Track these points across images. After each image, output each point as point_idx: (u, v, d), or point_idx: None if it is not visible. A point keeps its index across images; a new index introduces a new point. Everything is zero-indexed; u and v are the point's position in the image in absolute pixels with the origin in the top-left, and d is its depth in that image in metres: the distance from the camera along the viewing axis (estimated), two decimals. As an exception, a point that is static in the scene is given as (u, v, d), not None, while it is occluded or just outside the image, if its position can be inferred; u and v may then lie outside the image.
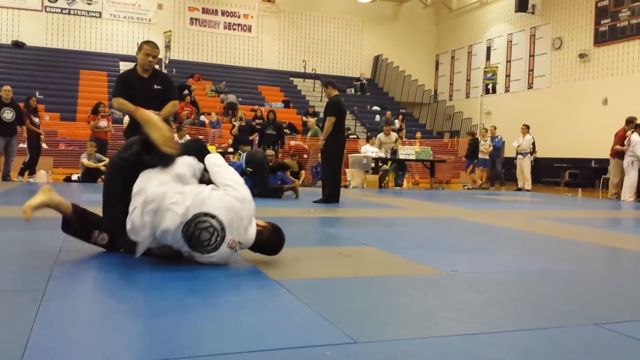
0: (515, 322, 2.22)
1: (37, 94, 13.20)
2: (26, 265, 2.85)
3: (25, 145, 10.61)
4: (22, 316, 2.00)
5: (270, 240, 3.11)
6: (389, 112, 17.84)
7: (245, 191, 2.98)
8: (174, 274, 2.74)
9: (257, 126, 13.42)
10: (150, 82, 4.94)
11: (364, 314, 2.27)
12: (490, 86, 21.50)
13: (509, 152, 15.20)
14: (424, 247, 4.08)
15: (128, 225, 2.83)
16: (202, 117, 16.08)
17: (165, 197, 2.81)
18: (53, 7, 20.28)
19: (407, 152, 12.94)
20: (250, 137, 13.06)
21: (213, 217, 2.80)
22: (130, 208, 2.83)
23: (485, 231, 5.27)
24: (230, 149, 12.35)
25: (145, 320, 2.06)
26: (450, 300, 2.55)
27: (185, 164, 3.03)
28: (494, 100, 21.22)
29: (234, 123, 13.48)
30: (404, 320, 2.18)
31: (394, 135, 13.77)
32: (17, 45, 19.45)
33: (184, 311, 2.20)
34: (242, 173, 8.04)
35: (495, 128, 15.05)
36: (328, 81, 8.13)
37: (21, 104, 10.48)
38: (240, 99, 18.57)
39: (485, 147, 14.34)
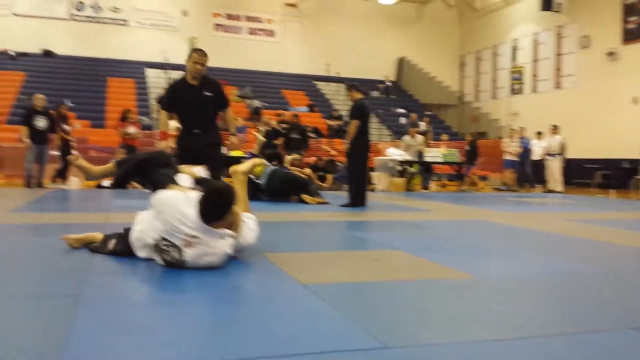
0: (546, 327, 2.19)
1: (67, 102, 13.47)
2: (60, 270, 2.91)
3: (57, 153, 10.84)
4: (59, 320, 2.05)
5: (206, 203, 2.91)
6: (414, 115, 17.73)
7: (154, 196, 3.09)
8: (204, 279, 2.77)
9: (282, 130, 13.48)
10: (201, 89, 4.95)
11: (393, 318, 2.27)
12: (517, 87, 21.23)
13: (537, 154, 14.98)
14: (452, 250, 4.05)
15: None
16: (228, 122, 16.22)
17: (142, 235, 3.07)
18: (80, 16, 20.70)
19: (433, 154, 12.85)
20: (276, 142, 13.12)
21: (162, 238, 2.92)
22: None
23: (514, 234, 5.21)
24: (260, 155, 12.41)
25: (178, 324, 2.09)
26: (480, 305, 2.53)
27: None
28: (521, 101, 20.94)
29: (259, 128, 13.56)
30: (434, 325, 2.18)
31: (419, 137, 13.69)
32: (47, 54, 19.89)
33: (214, 315, 2.23)
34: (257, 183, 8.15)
35: (523, 129, 14.85)
36: (352, 84, 8.13)
37: (53, 112, 10.72)
38: (265, 103, 18.68)
39: (513, 148, 14.16)
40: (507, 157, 14.41)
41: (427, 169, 13.16)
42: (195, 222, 2.86)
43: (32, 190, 9.73)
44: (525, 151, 14.25)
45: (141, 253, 3.07)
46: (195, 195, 2.96)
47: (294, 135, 12.84)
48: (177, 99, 4.93)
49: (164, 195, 3.02)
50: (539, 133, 14.16)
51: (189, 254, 2.86)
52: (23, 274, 2.86)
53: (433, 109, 23.10)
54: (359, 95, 7.74)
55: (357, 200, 7.46)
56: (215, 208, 2.90)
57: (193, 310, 2.31)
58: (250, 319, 2.22)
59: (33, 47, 19.92)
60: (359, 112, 7.52)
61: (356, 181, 7.62)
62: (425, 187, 12.97)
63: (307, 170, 11.76)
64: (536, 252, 4.13)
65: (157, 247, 2.94)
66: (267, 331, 2.02)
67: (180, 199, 2.95)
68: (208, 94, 4.96)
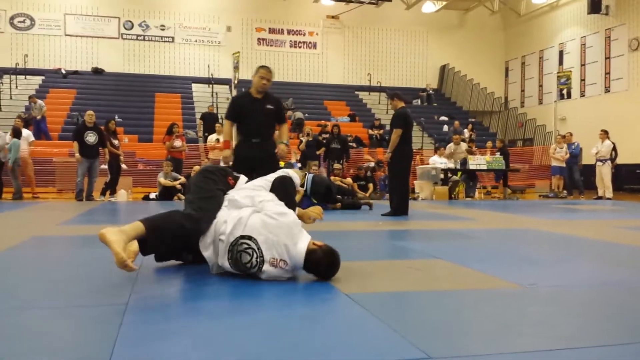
0: (597, 337, 2.11)
1: (116, 117, 13.90)
2: (108, 281, 2.99)
3: (106, 167, 11.19)
4: (106, 329, 2.11)
5: (321, 262, 2.92)
6: (457, 122, 17.46)
7: (280, 208, 3.00)
8: (248, 289, 2.79)
9: (323, 140, 13.54)
10: (263, 102, 5.33)
11: (437, 328, 2.23)
12: (564, 91, 20.69)
13: (587, 159, 14.54)
14: (498, 259, 3.96)
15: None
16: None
17: (215, 229, 2.96)
18: (129, 35, 21.38)
19: (477, 161, 12.64)
20: (317, 152, 13.18)
21: (249, 238, 2.86)
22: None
23: (563, 242, 5.06)
24: (299, 164, 12.50)
25: (221, 331, 2.11)
26: (528, 315, 2.46)
27: (245, 187, 3.24)
28: (569, 106, 20.40)
29: (302, 139, 13.66)
30: (480, 335, 2.13)
31: (463, 145, 13.49)
32: (97, 71, 20.61)
33: (256, 323, 2.24)
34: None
35: (571, 134, 14.45)
36: (394, 93, 8.10)
37: (102, 127, 11.09)
38: (306, 114, 18.81)
39: (561, 154, 13.79)
40: (555, 163, 14.03)
41: (471, 177, 12.94)
42: (297, 258, 2.88)
43: (82, 203, 10.06)
44: (574, 157, 13.84)
45: (205, 252, 3.00)
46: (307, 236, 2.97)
47: (334, 145, 12.88)
48: (241, 110, 5.30)
49: (285, 209, 3.02)
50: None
51: (269, 272, 2.87)
52: (73, 283, 2.95)
53: (477, 116, 22.75)
54: (401, 104, 7.72)
55: (399, 209, 7.40)
56: (323, 270, 2.96)
57: (235, 319, 2.33)
58: (293, 327, 2.22)
59: (83, 65, 20.68)
60: (402, 120, 7.49)
61: (398, 190, 7.57)
62: (469, 195, 12.75)
63: (348, 180, 11.76)
64: (586, 260, 4.00)
65: (234, 243, 2.89)
66: (310, 340, 2.02)
67: (299, 225, 2.98)
68: (270, 107, 5.34)
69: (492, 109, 23.06)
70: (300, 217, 3.28)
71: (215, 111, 17.04)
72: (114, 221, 7.16)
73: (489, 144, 15.13)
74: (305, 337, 2.06)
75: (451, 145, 13.27)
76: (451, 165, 12.67)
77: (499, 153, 13.41)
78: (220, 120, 15.96)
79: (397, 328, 2.17)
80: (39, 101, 15.91)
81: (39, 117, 15.28)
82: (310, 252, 2.89)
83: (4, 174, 11.02)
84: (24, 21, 20.28)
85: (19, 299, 2.63)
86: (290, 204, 3.20)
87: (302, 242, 2.90)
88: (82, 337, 2.12)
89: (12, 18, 20.15)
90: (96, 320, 2.32)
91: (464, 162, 12.53)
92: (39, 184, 11.95)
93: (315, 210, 3.53)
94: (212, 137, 13.02)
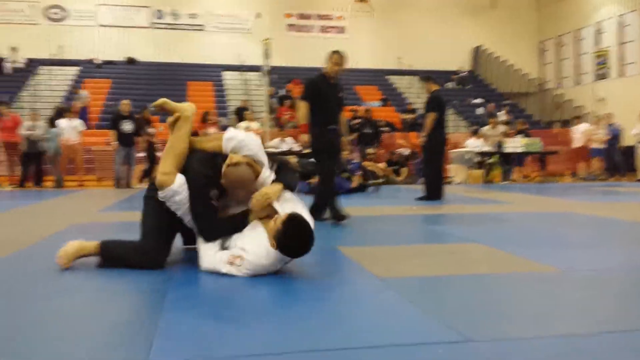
0: (635, 321, 2.07)
1: (150, 106, 14.12)
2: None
3: (143, 154, 11.39)
4: (150, 310, 2.16)
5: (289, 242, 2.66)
6: (491, 104, 17.13)
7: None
8: (279, 275, 2.81)
9: (355, 126, 13.48)
10: (337, 89, 5.19)
11: (475, 312, 2.22)
12: (602, 71, 20.09)
13: (627, 141, 14.13)
14: (535, 243, 3.90)
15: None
16: (302, 120, 16.42)
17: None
18: (160, 24, 21.58)
19: (514, 144, 12.40)
20: (350, 137, 13.14)
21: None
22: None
23: (602, 225, 4.95)
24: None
25: (258, 318, 2.15)
26: (567, 299, 2.43)
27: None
28: (607, 86, 19.80)
29: (333, 124, 13.63)
30: (518, 319, 2.11)
31: (501, 127, 13.24)
32: (130, 61, 20.91)
33: (293, 309, 2.27)
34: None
35: (610, 115, 14.05)
36: (427, 76, 8.00)
37: (138, 116, 11.27)
38: (338, 100, 18.73)
39: (600, 136, 13.44)
40: (594, 145, 13.68)
41: (507, 160, 12.73)
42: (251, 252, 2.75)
43: (120, 190, 10.28)
44: (613, 138, 13.46)
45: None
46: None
47: (366, 130, 12.82)
48: (320, 94, 5.02)
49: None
50: None
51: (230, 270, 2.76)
52: (111, 270, 3.02)
53: (512, 98, 22.29)
54: (435, 87, 7.62)
55: (434, 193, 7.34)
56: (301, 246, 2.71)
57: (273, 303, 2.37)
58: (329, 312, 2.25)
59: (117, 55, 20.99)
60: (436, 104, 7.40)
61: (432, 174, 7.50)
62: (506, 179, 12.55)
63: (382, 165, 11.70)
64: (627, 244, 3.91)
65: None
66: (346, 324, 2.04)
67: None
68: (341, 95, 5.24)
69: (527, 90, 22.56)
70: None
71: (249, 104, 17.11)
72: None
73: (519, 125, 14.73)
74: (341, 321, 2.08)
75: (487, 127, 13.05)
76: (486, 148, 12.47)
77: (521, 136, 13.14)
78: (249, 110, 16.03)
79: (434, 312, 2.17)
80: (82, 91, 16.27)
81: (83, 106, 15.65)
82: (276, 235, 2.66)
83: (44, 163, 11.33)
84: (57, 12, 20.67)
85: (62, 283, 2.72)
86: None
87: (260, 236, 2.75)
88: (123, 319, 2.18)
89: (46, 9, 20.55)
90: (140, 301, 2.39)
91: (500, 145, 12.31)
92: (80, 172, 12.24)
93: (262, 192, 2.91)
94: (242, 125, 13.08)
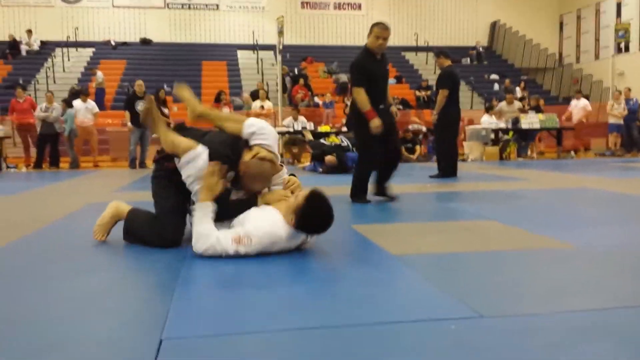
0: (658, 297, 2.05)
1: (165, 86, 14.12)
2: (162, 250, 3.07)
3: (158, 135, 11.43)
4: (165, 286, 2.19)
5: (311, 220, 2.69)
6: (508, 80, 16.87)
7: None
8: (293, 253, 2.81)
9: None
10: (383, 63, 4.83)
11: (489, 288, 2.21)
12: (622, 45, 19.66)
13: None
14: (551, 220, 3.86)
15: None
16: (316, 99, 16.34)
17: None
18: (174, 4, 21.50)
19: (530, 120, 12.23)
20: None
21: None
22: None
23: (619, 202, 4.88)
24: (344, 128, 12.43)
25: (276, 296, 2.16)
26: (583, 275, 2.41)
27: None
28: (627, 60, 19.39)
29: (347, 102, 13.54)
30: (533, 295, 2.10)
31: (517, 104, 13.05)
32: (145, 42, 20.90)
33: (309, 286, 2.28)
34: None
35: (629, 90, 13.78)
36: (440, 51, 7.86)
37: (152, 97, 11.28)
38: (352, 77, 18.60)
39: (619, 110, 13.20)
40: (612, 120, 13.45)
41: (523, 137, 12.57)
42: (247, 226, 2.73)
43: (135, 170, 10.36)
44: (632, 113, 13.22)
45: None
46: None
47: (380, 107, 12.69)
48: (369, 74, 4.69)
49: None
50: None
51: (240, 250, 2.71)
52: (128, 249, 3.05)
53: (530, 73, 21.94)
54: (447, 62, 7.48)
55: (447, 170, 7.28)
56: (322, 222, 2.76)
57: (286, 281, 2.38)
58: (342, 289, 2.25)
59: (132, 36, 20.99)
60: (449, 80, 7.28)
61: (446, 152, 7.43)
62: (522, 156, 12.41)
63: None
64: (646, 220, 3.85)
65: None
66: (361, 301, 2.04)
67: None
68: (387, 68, 4.91)
69: (545, 65, 22.18)
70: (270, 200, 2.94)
71: (262, 82, 17.05)
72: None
73: (541, 101, 14.55)
74: (357, 298, 2.08)
75: (502, 104, 12.88)
76: (502, 124, 12.32)
77: (533, 112, 12.94)
78: (265, 87, 15.97)
79: (448, 288, 2.16)
80: (98, 72, 16.36)
81: (100, 88, 15.76)
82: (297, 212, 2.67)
83: (60, 144, 11.43)
84: (72, -6, 20.68)
85: (79, 263, 2.75)
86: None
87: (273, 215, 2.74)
88: (139, 297, 2.21)
89: (61, -8, 20.56)
90: (152, 285, 2.41)
91: (516, 121, 12.15)
92: (94, 153, 12.34)
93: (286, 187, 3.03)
94: (256, 104, 13.05)
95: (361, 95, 4.63)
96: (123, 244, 3.08)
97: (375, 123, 4.55)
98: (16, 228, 3.80)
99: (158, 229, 2.99)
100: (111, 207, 3.20)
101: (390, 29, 4.77)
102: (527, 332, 1.67)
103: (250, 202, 2.89)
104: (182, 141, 2.91)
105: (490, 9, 23.22)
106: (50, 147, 11.22)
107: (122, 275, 2.60)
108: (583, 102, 13.29)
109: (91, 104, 11.87)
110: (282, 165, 3.08)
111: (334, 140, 9.02)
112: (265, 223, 2.69)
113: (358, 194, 4.77)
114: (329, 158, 8.54)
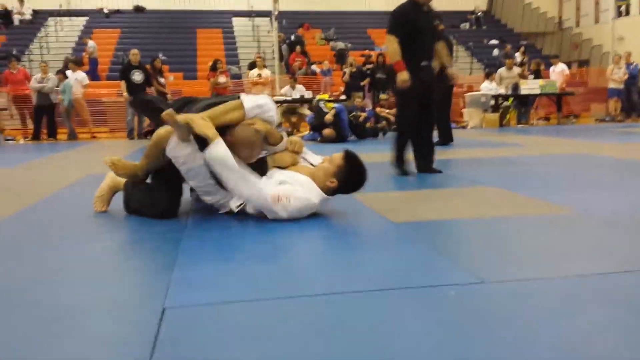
0: (658, 261, 2.06)
1: (160, 55, 13.95)
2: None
3: (154, 105, 11.34)
4: (166, 256, 2.20)
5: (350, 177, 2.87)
6: (508, 46, 16.69)
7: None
8: (292, 226, 2.82)
9: (367, 71, 13.26)
10: (430, 17, 4.45)
11: (489, 254, 2.22)
12: (622, 8, 19.39)
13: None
14: (550, 185, 3.87)
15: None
16: (313, 67, 16.18)
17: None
18: (168, -32, 21.09)
19: (530, 86, 12.14)
20: (362, 83, 12.95)
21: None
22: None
23: (619, 167, 4.88)
24: (343, 96, 12.36)
25: (276, 262, 2.17)
26: (583, 239, 2.42)
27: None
28: (627, 24, 19.15)
29: (345, 70, 13.41)
30: (533, 260, 2.11)
31: (516, 69, 12.93)
32: (138, 9, 20.56)
33: (309, 253, 2.29)
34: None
35: (629, 54, 13.65)
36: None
37: (147, 66, 11.15)
38: (349, 44, 18.37)
39: (619, 75, 13.10)
40: (612, 85, 13.35)
41: (523, 103, 12.50)
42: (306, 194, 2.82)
43: (133, 141, 10.32)
44: (632, 78, 13.13)
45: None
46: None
47: (379, 76, 12.59)
48: (412, 25, 4.28)
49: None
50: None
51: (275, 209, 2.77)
52: (130, 219, 3.06)
53: (529, 38, 21.70)
54: (441, 27, 7.51)
55: (444, 137, 7.28)
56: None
57: (286, 249, 2.39)
58: (344, 256, 2.26)
59: (125, 4, 20.64)
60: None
61: (440, 118, 7.43)
62: (522, 122, 12.36)
63: (394, 111, 11.56)
64: (645, 184, 3.85)
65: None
66: (362, 267, 2.05)
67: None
68: (436, 23, 4.54)
69: (545, 30, 21.91)
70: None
71: (259, 52, 16.82)
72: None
73: (533, 65, 14.38)
74: (357, 264, 2.09)
75: (502, 70, 12.76)
76: (502, 91, 12.24)
77: (532, 76, 12.81)
78: (262, 55, 15.78)
79: (448, 255, 2.17)
80: (90, 41, 16.11)
81: (92, 58, 15.53)
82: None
83: (57, 115, 11.35)
84: (64, -39, 20.24)
85: (80, 233, 2.76)
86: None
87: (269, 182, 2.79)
88: (141, 268, 2.22)
89: (52, -41, 20.11)
90: (153, 255, 2.42)
91: (516, 87, 12.06)
92: (90, 125, 12.27)
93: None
94: (254, 73, 12.90)
95: (392, 44, 4.28)
96: (123, 215, 3.08)
97: (402, 77, 4.21)
98: (19, 199, 3.80)
99: (153, 199, 3.00)
100: (108, 178, 3.21)
101: None
102: (529, 297, 1.69)
103: (260, 166, 2.89)
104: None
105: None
106: (47, 119, 11.13)
107: (123, 245, 2.61)
108: (560, 66, 13.15)
109: (81, 75, 11.72)
110: (282, 136, 3.05)
111: (328, 106, 8.98)
112: (301, 188, 2.78)
113: (396, 163, 4.54)
114: (327, 131, 8.59)
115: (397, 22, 4.38)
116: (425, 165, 4.56)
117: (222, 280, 1.92)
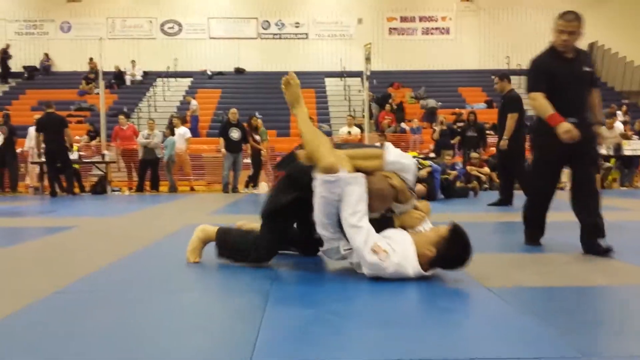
0: None
1: (257, 114, 14.63)
2: (253, 271, 3.17)
3: (249, 161, 11.86)
4: (256, 307, 2.25)
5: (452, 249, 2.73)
6: (614, 105, 16.00)
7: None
8: (387, 286, 2.80)
9: (458, 129, 13.15)
10: (578, 63, 3.83)
11: (590, 326, 2.09)
12: None
13: None
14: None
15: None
16: (403, 124, 16.28)
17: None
18: (266, 34, 22.38)
19: (634, 146, 11.50)
20: (452, 141, 12.84)
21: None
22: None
23: None
24: (432, 154, 12.29)
25: (364, 326, 2.16)
26: (698, 316, 2.22)
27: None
28: None
29: (435, 128, 13.39)
30: (638, 335, 1.96)
31: (618, 129, 12.34)
32: (239, 71, 21.83)
33: (401, 315, 2.26)
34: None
35: None
36: (503, 74, 7.80)
37: (245, 124, 11.74)
38: (440, 102, 18.38)
39: None
40: None
41: (626, 164, 11.83)
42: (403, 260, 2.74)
43: (228, 195, 10.76)
44: None
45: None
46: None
47: (470, 134, 12.43)
48: (554, 76, 3.72)
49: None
50: None
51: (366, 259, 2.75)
52: (222, 270, 3.17)
53: (631, 97, 20.71)
54: (509, 87, 7.46)
55: (508, 198, 7.26)
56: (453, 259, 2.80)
57: (378, 310, 2.37)
58: (436, 320, 2.21)
59: (226, 66, 22.00)
60: (518, 103, 7.28)
61: (516, 178, 7.28)
62: (625, 184, 11.66)
63: (486, 170, 11.31)
64: None
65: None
66: (452, 333, 2.00)
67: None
68: (587, 69, 3.85)
69: (649, 88, 20.86)
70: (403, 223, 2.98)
71: (349, 109, 17.21)
72: (256, 211, 7.56)
73: (638, 125, 13.60)
74: (450, 331, 2.04)
75: (603, 129, 12.20)
76: (603, 151, 11.67)
77: (637, 137, 12.09)
78: (352, 113, 16.12)
79: (545, 325, 2.07)
80: (193, 100, 17.32)
81: (193, 115, 16.64)
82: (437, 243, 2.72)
83: (160, 169, 12.11)
84: (172, 27, 22.05)
85: (176, 282, 2.89)
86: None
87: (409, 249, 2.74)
88: (231, 317, 2.28)
89: (162, 25, 21.99)
90: (242, 306, 2.49)
91: (618, 147, 11.47)
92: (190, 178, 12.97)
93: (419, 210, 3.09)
94: (343, 130, 13.19)
95: (538, 101, 3.69)
96: (215, 265, 3.20)
97: (563, 128, 3.49)
98: (123, 247, 4.06)
99: (253, 244, 3.07)
100: (198, 231, 3.31)
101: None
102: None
103: (384, 222, 2.89)
104: (327, 154, 2.78)
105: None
106: (151, 172, 11.89)
107: (213, 295, 2.70)
108: (618, 125, 12.24)
109: (183, 129, 12.51)
110: (411, 197, 3.02)
111: (424, 163, 8.93)
112: (401, 253, 2.70)
113: (526, 232, 4.10)
114: (419, 188, 8.51)
115: (537, 75, 3.85)
116: (588, 244, 3.69)
117: (309, 337, 1.93)
